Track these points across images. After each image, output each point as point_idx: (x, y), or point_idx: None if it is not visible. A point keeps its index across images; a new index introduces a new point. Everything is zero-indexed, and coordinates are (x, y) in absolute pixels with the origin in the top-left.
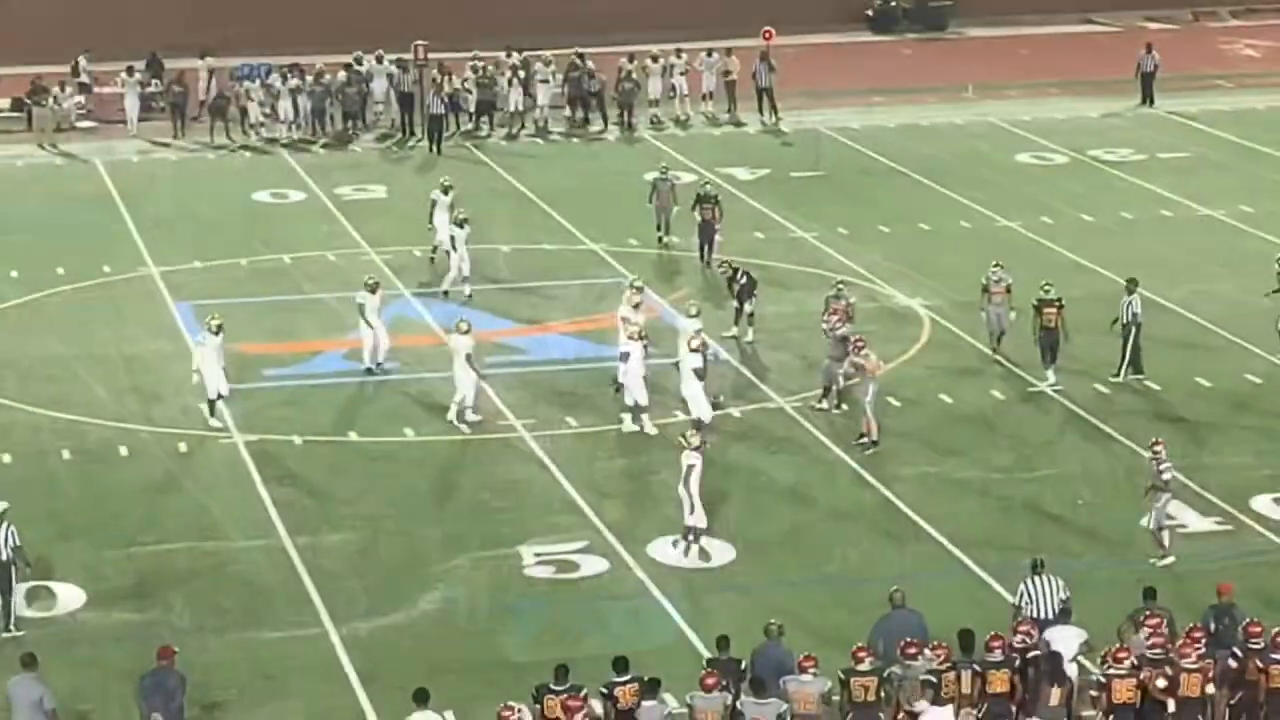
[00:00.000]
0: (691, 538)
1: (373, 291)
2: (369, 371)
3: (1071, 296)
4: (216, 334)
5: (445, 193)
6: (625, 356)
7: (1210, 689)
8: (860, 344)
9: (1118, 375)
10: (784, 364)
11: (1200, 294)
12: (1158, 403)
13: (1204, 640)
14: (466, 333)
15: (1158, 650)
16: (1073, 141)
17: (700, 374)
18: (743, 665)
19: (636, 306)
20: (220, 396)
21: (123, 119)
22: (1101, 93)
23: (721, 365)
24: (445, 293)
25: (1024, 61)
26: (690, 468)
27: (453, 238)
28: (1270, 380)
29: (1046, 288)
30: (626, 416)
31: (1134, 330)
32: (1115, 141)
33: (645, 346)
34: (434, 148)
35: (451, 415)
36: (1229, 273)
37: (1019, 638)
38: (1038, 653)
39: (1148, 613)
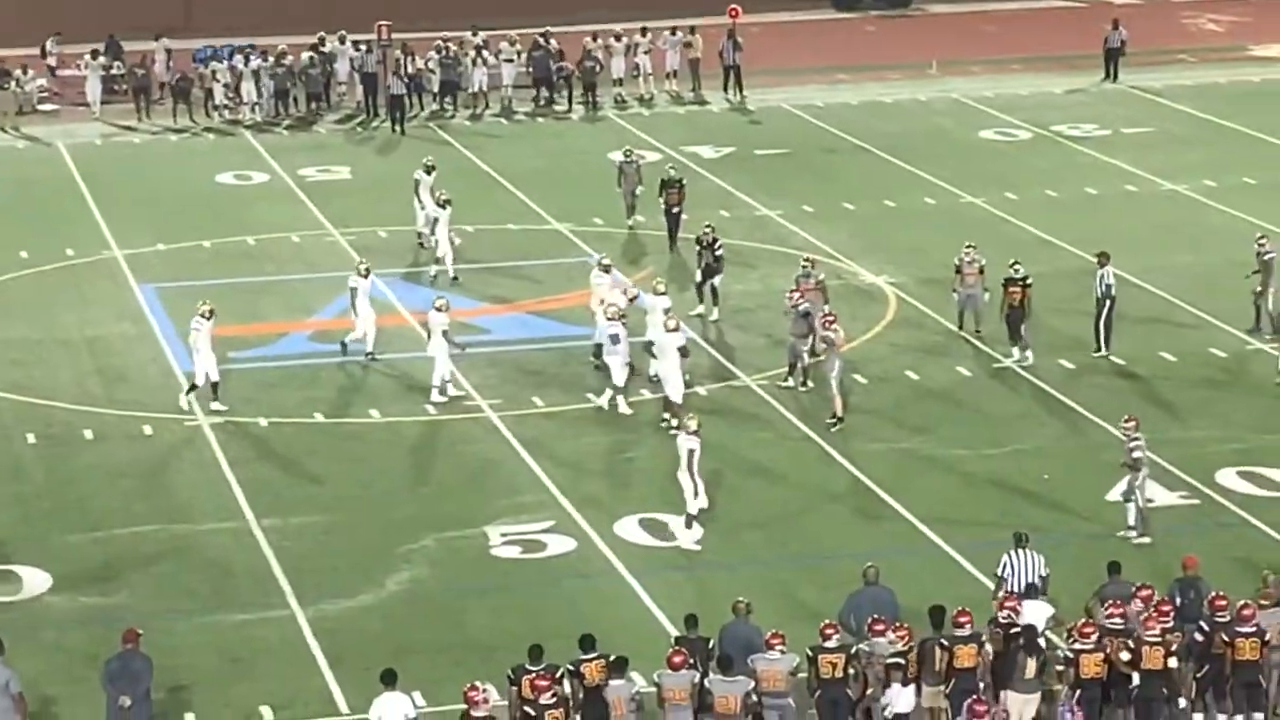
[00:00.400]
0: (695, 519)
1: (365, 276)
2: (344, 347)
3: (1036, 272)
4: (209, 319)
5: (428, 172)
6: (616, 339)
7: (1173, 662)
8: (831, 319)
9: (1099, 351)
10: (750, 342)
11: (1164, 269)
12: (1123, 378)
13: (1170, 613)
14: (442, 310)
15: (1116, 620)
16: (1036, 117)
17: (685, 352)
18: (711, 644)
19: (633, 300)
20: (213, 382)
21: (85, 101)
22: (1065, 68)
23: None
24: (455, 278)
25: (987, 38)
26: (691, 452)
27: (435, 219)
28: (1235, 354)
29: (1015, 267)
30: (606, 394)
31: (1107, 304)
32: (1079, 117)
33: (624, 325)
34: (396, 128)
35: (449, 392)
36: (1193, 247)
37: (1004, 613)
38: (1017, 629)
39: (1137, 585)
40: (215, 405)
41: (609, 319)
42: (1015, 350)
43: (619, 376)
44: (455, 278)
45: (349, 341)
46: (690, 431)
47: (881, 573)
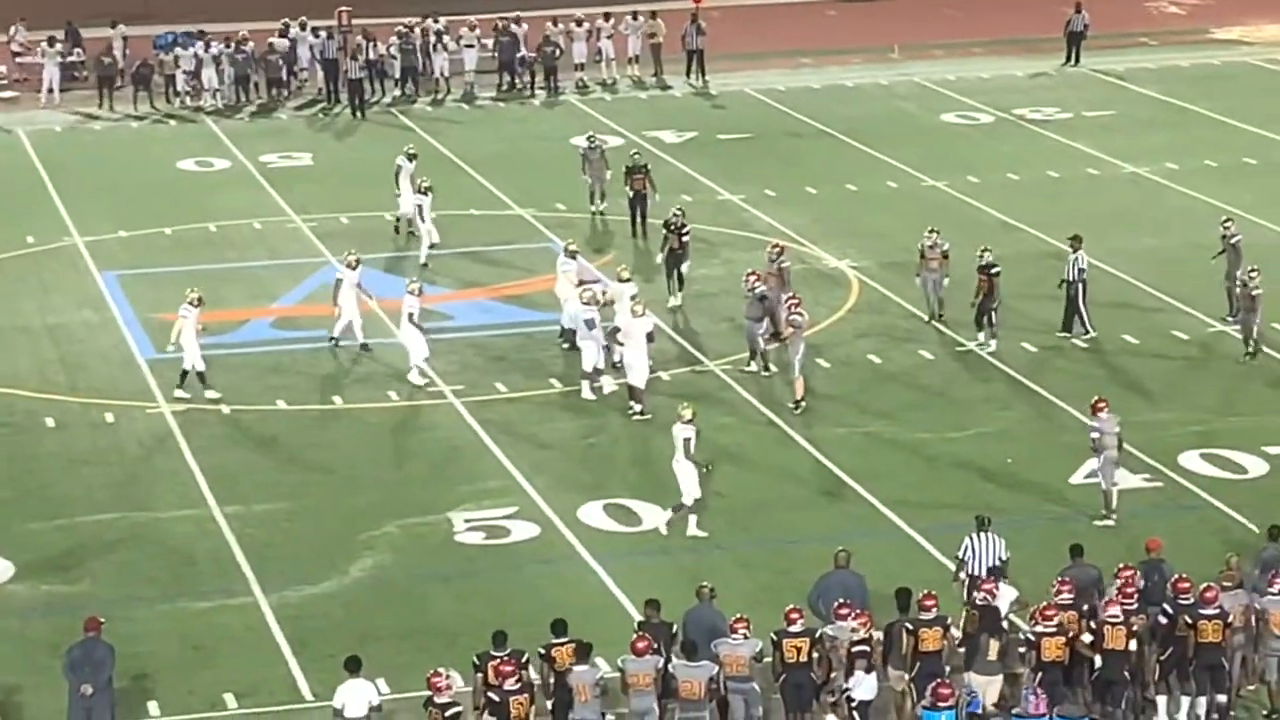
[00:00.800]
0: (691, 510)
1: (352, 268)
2: (364, 347)
3: (999, 256)
4: (196, 306)
5: (410, 159)
6: (591, 324)
7: (1133, 644)
8: (796, 302)
9: (1086, 334)
10: (713, 327)
11: (1127, 252)
12: (1086, 361)
13: (1135, 595)
14: (414, 293)
15: (1065, 597)
16: (998, 101)
17: (651, 337)
18: (674, 629)
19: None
20: (186, 370)
21: (49, 88)
22: (1027, 52)
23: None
24: (425, 264)
25: (949, 21)
26: (686, 441)
27: (420, 206)
28: (1197, 337)
29: (983, 254)
30: (605, 379)
31: (1079, 288)
32: (1041, 100)
33: (599, 311)
34: (356, 113)
35: (414, 378)
36: (1155, 230)
37: (981, 595)
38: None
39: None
40: (179, 392)
41: (584, 303)
42: (980, 335)
43: (589, 362)
44: (425, 263)
45: (339, 334)
46: (685, 420)
47: (852, 557)
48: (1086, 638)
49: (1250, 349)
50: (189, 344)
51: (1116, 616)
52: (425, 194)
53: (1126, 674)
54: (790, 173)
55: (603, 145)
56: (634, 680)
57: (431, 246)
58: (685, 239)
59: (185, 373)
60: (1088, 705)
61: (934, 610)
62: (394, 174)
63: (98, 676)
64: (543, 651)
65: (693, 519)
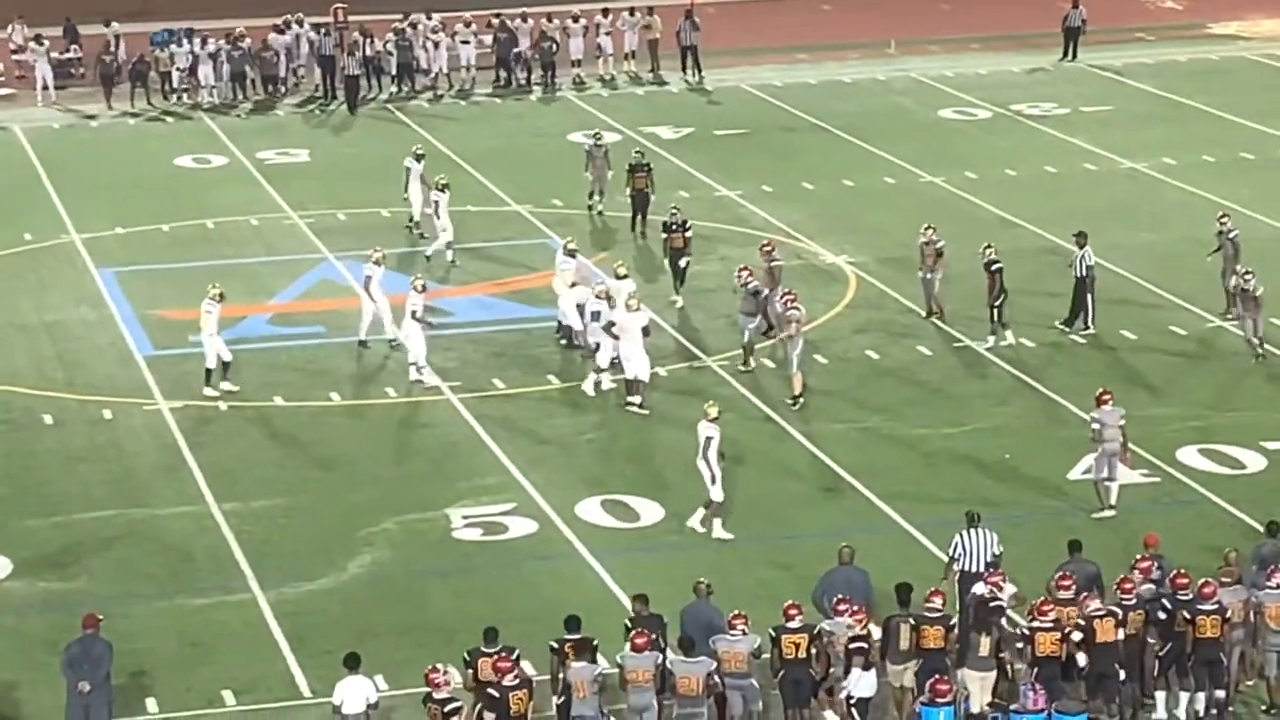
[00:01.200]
0: (710, 510)
1: (378, 264)
2: (361, 344)
3: (998, 251)
4: (219, 301)
5: (418, 160)
6: (597, 315)
7: (1121, 634)
8: (792, 298)
9: (1086, 329)
10: (710, 323)
11: (1124, 247)
12: (1084, 356)
13: (1133, 590)
14: (416, 289)
15: (1064, 592)
16: (996, 96)
17: (647, 331)
18: (663, 620)
19: (601, 297)
20: (224, 363)
21: (44, 85)
22: (1024, 47)
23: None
24: (428, 258)
25: (946, 17)
26: (709, 439)
27: (437, 203)
28: (1195, 333)
29: (984, 250)
30: (604, 375)
31: (1089, 283)
32: (1038, 96)
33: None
34: (352, 109)
35: (414, 375)
36: (1153, 225)
37: (987, 588)
38: (999, 603)
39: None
40: (226, 385)
41: (596, 296)
42: (1005, 333)
43: (604, 357)
44: (429, 257)
45: (390, 333)
46: (710, 419)
47: (856, 554)
48: (1076, 635)
49: (1259, 350)
50: (213, 337)
51: (1101, 610)
52: (443, 191)
53: (1118, 667)
54: (787, 168)
55: (607, 145)
56: (633, 676)
57: (448, 246)
58: (688, 235)
59: (227, 364)
60: (1085, 701)
61: (941, 607)
62: (404, 177)
63: (95, 673)
64: (555, 646)
65: (716, 521)
